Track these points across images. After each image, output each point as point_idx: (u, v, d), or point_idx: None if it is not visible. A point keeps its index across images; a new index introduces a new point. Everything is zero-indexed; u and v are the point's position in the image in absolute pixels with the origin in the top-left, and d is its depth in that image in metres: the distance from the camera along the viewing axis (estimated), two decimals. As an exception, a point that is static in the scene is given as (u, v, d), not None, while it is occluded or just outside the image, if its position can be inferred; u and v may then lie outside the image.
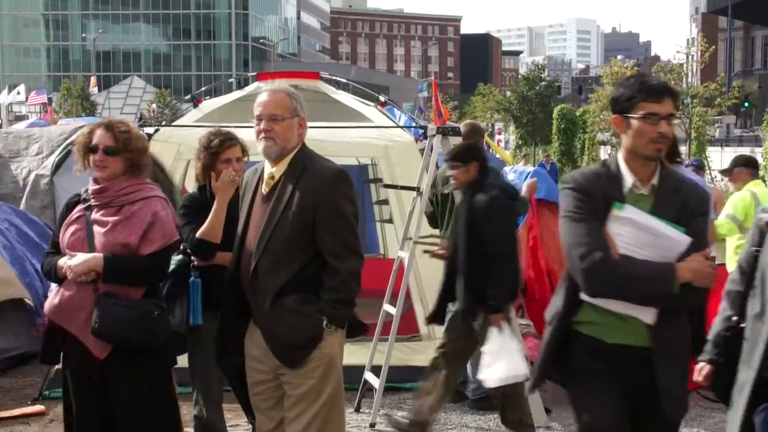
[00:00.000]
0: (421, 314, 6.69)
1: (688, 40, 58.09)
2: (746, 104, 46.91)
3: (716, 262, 5.56)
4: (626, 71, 39.54)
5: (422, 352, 6.52)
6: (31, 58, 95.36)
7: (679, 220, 3.09)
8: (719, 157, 30.64)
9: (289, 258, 3.56)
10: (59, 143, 9.60)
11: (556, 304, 3.28)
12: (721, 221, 7.29)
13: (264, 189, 3.68)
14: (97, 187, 3.78)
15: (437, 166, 6.23)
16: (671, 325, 3.13)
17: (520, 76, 69.07)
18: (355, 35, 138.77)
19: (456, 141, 5.81)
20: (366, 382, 6.02)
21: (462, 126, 6.32)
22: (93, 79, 58.10)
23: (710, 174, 24.04)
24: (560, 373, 3.29)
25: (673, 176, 3.26)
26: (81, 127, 8.81)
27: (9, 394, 6.47)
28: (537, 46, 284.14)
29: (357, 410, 5.96)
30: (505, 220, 5.17)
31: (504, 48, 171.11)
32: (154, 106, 55.10)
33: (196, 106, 7.75)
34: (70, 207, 3.88)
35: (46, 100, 46.62)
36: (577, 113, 42.47)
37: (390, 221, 8.37)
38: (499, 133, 54.14)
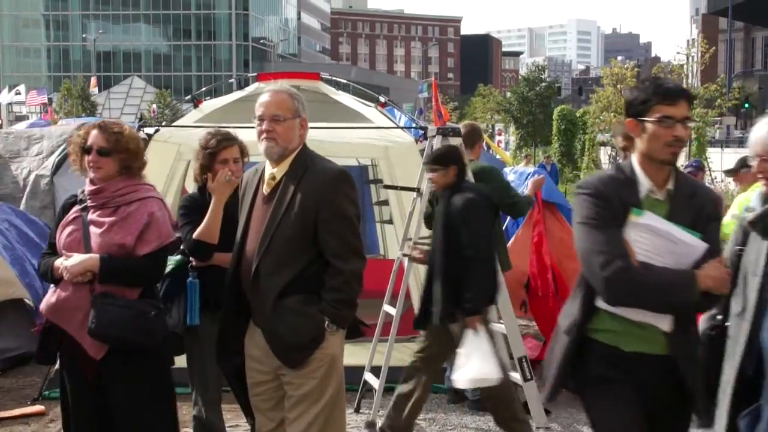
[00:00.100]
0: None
1: (688, 41, 58.15)
2: (746, 105, 46.86)
3: None
4: (626, 72, 39.60)
5: (422, 353, 6.53)
6: (32, 58, 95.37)
7: (695, 225, 3.05)
8: (719, 159, 30.63)
9: (291, 258, 3.56)
10: (59, 143, 9.60)
11: (571, 312, 3.23)
12: (727, 221, 7.30)
13: (265, 189, 3.67)
14: (94, 188, 3.79)
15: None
16: (686, 331, 3.10)
17: (520, 77, 69.03)
18: (355, 36, 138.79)
19: (456, 142, 5.82)
20: (366, 382, 6.02)
21: (462, 126, 6.32)
22: (93, 80, 58.10)
23: (710, 175, 24.06)
24: (575, 381, 3.24)
25: (687, 180, 3.22)
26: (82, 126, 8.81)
27: (9, 394, 6.48)
28: (537, 46, 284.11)
29: (357, 411, 5.96)
30: (481, 223, 5.17)
31: (504, 49, 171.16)
32: (154, 106, 55.09)
33: (196, 106, 7.76)
34: (66, 208, 3.89)
35: (46, 101, 46.63)
36: (578, 114, 42.46)
37: (390, 222, 8.37)
38: (499, 134, 54.18)
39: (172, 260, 4.33)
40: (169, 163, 6.81)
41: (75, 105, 56.97)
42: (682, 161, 7.06)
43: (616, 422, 3.08)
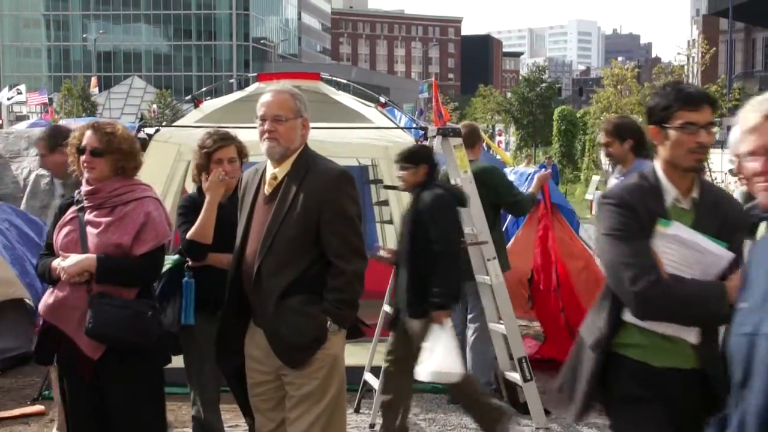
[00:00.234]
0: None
1: (688, 41, 58.18)
2: (747, 106, 46.73)
3: None
4: (627, 73, 39.62)
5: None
6: (32, 58, 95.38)
7: (720, 234, 2.97)
8: (719, 159, 30.62)
9: (294, 259, 3.56)
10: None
11: (596, 326, 3.12)
12: None
13: (266, 189, 3.67)
14: (90, 188, 3.79)
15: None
16: (713, 342, 3.02)
17: (520, 78, 69.07)
18: (355, 36, 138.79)
19: (456, 142, 5.82)
20: (366, 382, 6.02)
21: (461, 127, 6.32)
22: (94, 80, 58.10)
23: (710, 175, 24.05)
24: (602, 398, 3.15)
25: (711, 188, 3.14)
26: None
27: (9, 394, 6.48)
28: (538, 47, 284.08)
29: (357, 411, 5.96)
30: (450, 219, 5.19)
31: (505, 49, 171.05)
32: (154, 106, 55.14)
33: (196, 106, 7.76)
34: (63, 208, 3.90)
35: (46, 101, 46.62)
36: (578, 115, 42.48)
37: (390, 222, 8.37)
38: (500, 135, 54.15)
39: (170, 259, 4.33)
40: (170, 164, 6.81)
41: (75, 105, 56.98)
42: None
43: None
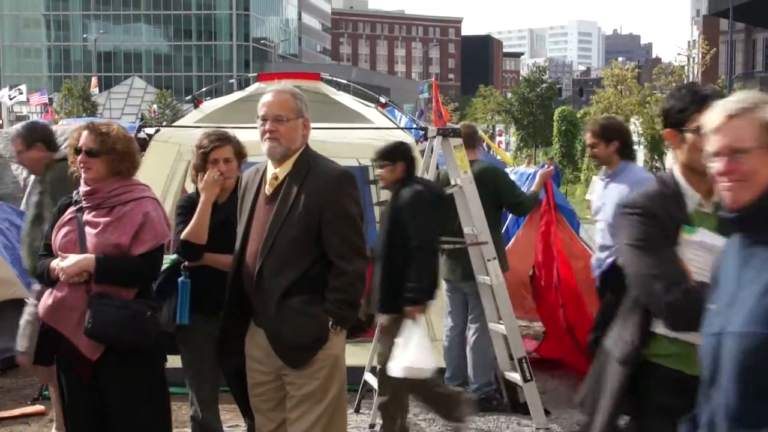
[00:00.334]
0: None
1: (689, 42, 58.19)
2: (747, 106, 46.73)
3: None
4: (627, 73, 39.64)
5: (422, 354, 6.52)
6: (32, 58, 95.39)
7: None
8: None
9: (295, 259, 3.55)
10: (60, 143, 9.60)
11: (623, 338, 3.03)
12: None
13: (267, 189, 3.66)
14: (88, 188, 3.79)
15: (437, 167, 6.23)
16: None
17: (521, 78, 69.10)
18: (356, 36, 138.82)
19: (456, 142, 5.82)
20: (366, 383, 6.02)
21: (461, 127, 6.33)
22: (94, 80, 58.12)
23: (711, 176, 24.02)
24: (631, 409, 3.06)
25: None
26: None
27: (9, 394, 6.48)
28: (538, 47, 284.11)
29: (357, 411, 5.96)
30: (428, 215, 5.20)
31: (505, 50, 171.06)
32: (154, 106, 55.19)
33: (196, 106, 7.76)
34: (61, 209, 3.90)
35: (47, 101, 46.65)
36: (578, 115, 42.50)
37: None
38: (500, 135, 54.19)
39: (168, 259, 4.33)
40: (170, 164, 6.81)
41: (75, 105, 56.98)
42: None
43: None
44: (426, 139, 6.23)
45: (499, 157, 19.12)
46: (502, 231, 7.07)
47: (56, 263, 3.72)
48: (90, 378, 3.71)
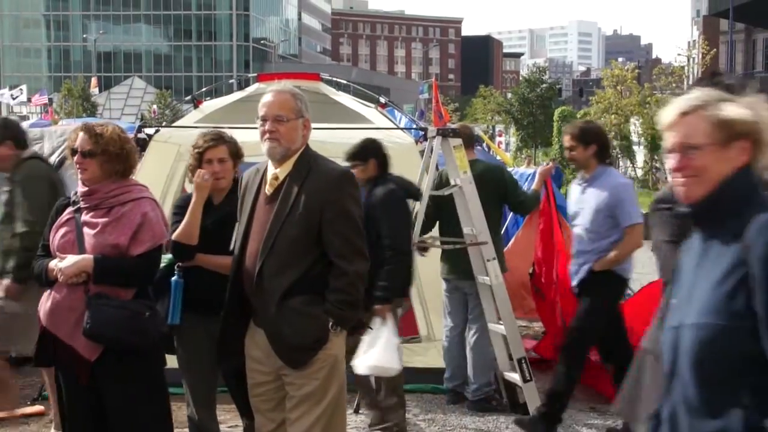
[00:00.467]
0: (420, 315, 6.69)
1: (689, 42, 58.15)
2: (747, 107, 46.68)
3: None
4: (627, 74, 39.62)
5: (422, 354, 6.53)
6: (32, 58, 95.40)
7: None
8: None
9: (296, 259, 3.55)
10: (59, 144, 9.58)
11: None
12: None
13: (268, 190, 3.66)
14: (86, 189, 3.79)
15: (437, 168, 6.23)
16: None
17: (521, 78, 69.10)
18: (356, 37, 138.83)
19: (456, 142, 5.82)
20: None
21: (459, 128, 6.33)
22: (94, 80, 58.12)
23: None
24: None
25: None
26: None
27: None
28: (538, 48, 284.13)
29: (356, 411, 5.95)
30: (401, 214, 5.19)
31: (505, 50, 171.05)
32: (154, 107, 55.18)
33: (196, 107, 7.76)
34: (59, 209, 3.90)
35: (47, 101, 46.67)
36: (578, 115, 42.43)
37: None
38: (500, 135, 54.17)
39: (164, 258, 4.32)
40: (169, 164, 6.81)
41: (75, 105, 56.98)
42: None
43: None
44: (426, 139, 6.23)
45: (498, 158, 19.10)
46: (502, 231, 7.07)
47: (54, 264, 3.72)
48: (87, 378, 3.71)
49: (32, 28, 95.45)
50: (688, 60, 48.22)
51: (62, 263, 3.68)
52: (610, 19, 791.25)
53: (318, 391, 3.57)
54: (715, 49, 42.70)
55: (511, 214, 8.59)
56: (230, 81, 10.25)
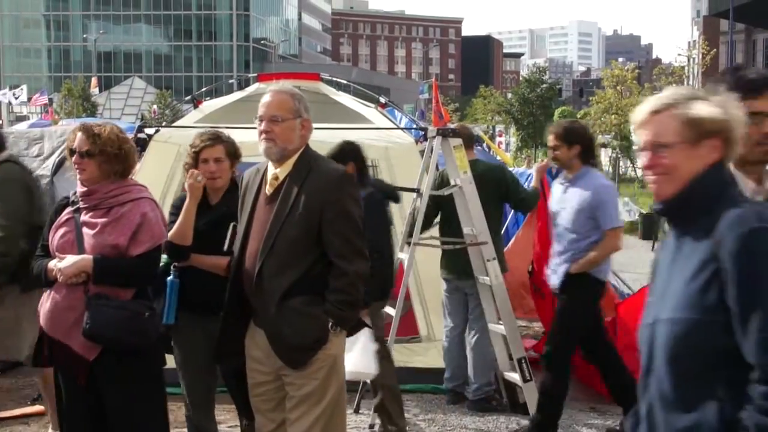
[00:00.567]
0: (420, 315, 6.70)
1: (689, 42, 58.20)
2: (747, 107, 46.67)
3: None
4: (627, 74, 39.63)
5: (422, 354, 6.53)
6: (32, 58, 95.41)
7: None
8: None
9: (295, 259, 3.55)
10: (59, 144, 9.58)
11: None
12: None
13: (268, 190, 3.66)
14: (85, 189, 3.79)
15: (437, 168, 6.24)
16: None
17: (521, 78, 69.13)
18: (356, 37, 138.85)
19: (456, 142, 5.82)
20: (365, 383, 6.01)
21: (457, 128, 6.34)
22: (94, 80, 58.10)
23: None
24: None
25: None
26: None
27: (9, 394, 6.47)
28: (538, 48, 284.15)
29: (356, 411, 5.95)
30: (379, 217, 5.17)
31: (505, 50, 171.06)
32: (154, 107, 55.17)
33: (196, 107, 7.77)
34: (59, 210, 3.90)
35: (47, 101, 46.68)
36: (578, 115, 42.50)
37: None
38: (500, 136, 54.18)
39: (163, 258, 4.31)
40: (169, 164, 6.81)
41: (76, 105, 56.96)
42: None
43: None
44: (426, 139, 6.23)
45: (499, 158, 19.11)
46: (502, 231, 7.07)
47: (54, 264, 3.72)
48: (85, 378, 3.71)
49: (32, 28, 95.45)
50: (689, 60, 48.26)
51: (62, 263, 3.68)
52: (610, 19, 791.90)
53: (318, 391, 3.57)
54: (715, 50, 42.73)
55: (512, 213, 8.60)
56: (230, 81, 10.26)
